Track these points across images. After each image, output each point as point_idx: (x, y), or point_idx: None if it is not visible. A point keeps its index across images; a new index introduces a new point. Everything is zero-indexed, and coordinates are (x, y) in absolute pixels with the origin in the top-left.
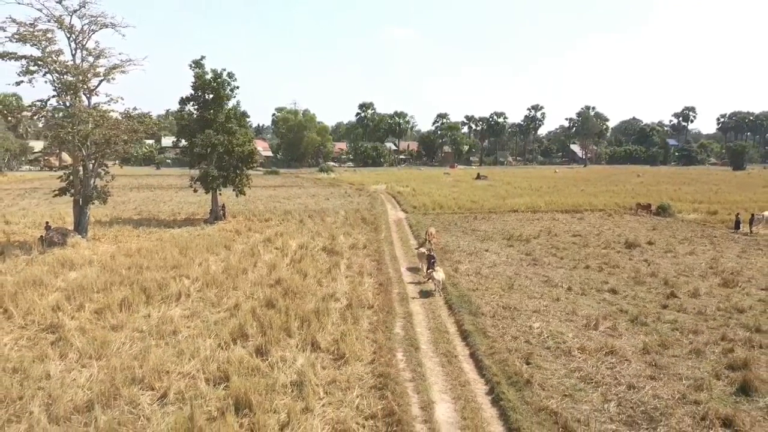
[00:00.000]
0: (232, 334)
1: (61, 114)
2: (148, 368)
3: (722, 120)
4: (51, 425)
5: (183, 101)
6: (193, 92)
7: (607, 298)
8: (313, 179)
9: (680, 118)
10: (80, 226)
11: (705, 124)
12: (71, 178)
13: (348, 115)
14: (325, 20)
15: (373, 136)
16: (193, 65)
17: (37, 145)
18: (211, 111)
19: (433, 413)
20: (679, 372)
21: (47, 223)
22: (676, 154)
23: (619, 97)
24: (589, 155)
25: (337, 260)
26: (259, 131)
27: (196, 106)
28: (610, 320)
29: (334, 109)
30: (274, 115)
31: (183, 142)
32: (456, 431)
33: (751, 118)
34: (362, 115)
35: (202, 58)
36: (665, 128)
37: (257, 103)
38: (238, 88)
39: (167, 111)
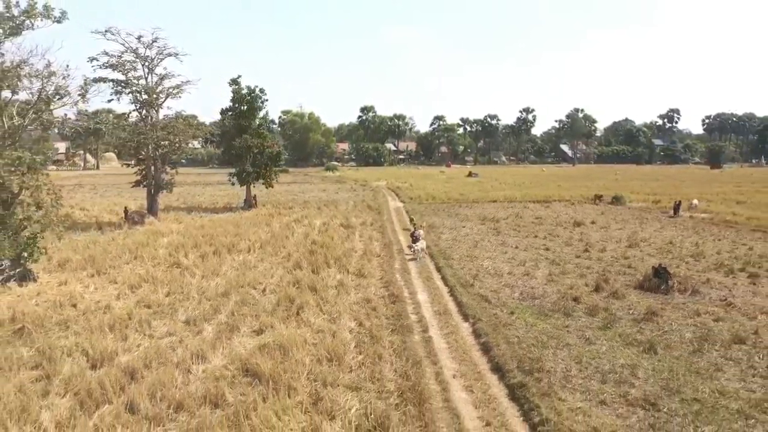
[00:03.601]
0: (293, 266)
1: (141, 123)
2: (249, 279)
3: (707, 121)
4: (207, 301)
5: (223, 111)
6: (231, 104)
7: (540, 252)
8: (321, 177)
9: (665, 119)
10: (152, 209)
11: (695, 125)
12: (145, 172)
13: (349, 115)
14: (326, 20)
15: (373, 137)
16: (231, 83)
17: (61, 147)
18: (247, 119)
19: (416, 296)
20: (565, 282)
21: (126, 207)
22: (661, 153)
23: (614, 99)
24: (578, 155)
25: (352, 231)
26: None
27: (233, 115)
28: (535, 262)
29: (335, 110)
30: (280, 117)
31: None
32: (428, 303)
33: (734, 119)
34: (363, 117)
35: (239, 77)
36: (655, 129)
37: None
38: (267, 100)
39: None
